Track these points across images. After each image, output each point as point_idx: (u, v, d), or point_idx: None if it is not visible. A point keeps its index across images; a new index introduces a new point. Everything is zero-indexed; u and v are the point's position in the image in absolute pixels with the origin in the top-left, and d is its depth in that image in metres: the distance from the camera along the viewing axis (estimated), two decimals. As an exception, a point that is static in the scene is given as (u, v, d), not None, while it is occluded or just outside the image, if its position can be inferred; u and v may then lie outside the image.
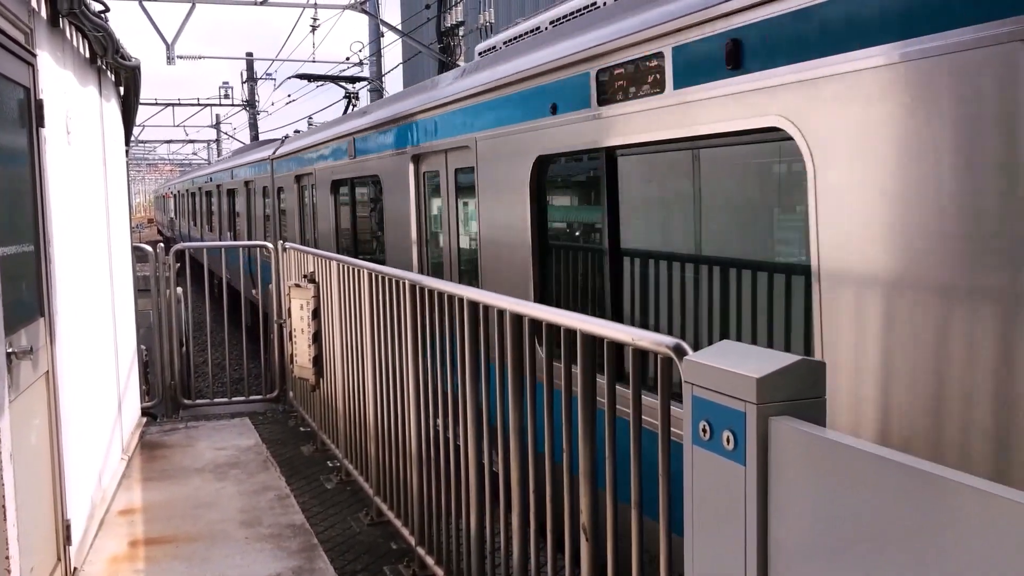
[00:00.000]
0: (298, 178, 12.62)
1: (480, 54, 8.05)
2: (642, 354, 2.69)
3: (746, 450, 1.99)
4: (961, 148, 2.78)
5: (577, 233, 5.55)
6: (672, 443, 2.55)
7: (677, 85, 4.10)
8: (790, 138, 3.46)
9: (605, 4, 5.62)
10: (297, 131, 18.03)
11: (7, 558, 3.55)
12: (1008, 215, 2.65)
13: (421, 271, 7.79)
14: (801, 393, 2.00)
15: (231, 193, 19.58)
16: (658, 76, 4.26)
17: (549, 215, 5.66)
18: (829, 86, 3.26)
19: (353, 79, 18.24)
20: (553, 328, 3.18)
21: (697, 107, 3.95)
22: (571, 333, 3.04)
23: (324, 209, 11.24)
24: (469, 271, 6.86)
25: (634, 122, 4.48)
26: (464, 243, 7.01)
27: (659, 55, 4.23)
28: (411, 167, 7.80)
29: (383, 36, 20.79)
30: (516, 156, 5.76)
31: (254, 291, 13.55)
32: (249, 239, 17.07)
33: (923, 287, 2.90)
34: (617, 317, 4.90)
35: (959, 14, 2.77)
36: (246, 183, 17.23)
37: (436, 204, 7.56)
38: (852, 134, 3.17)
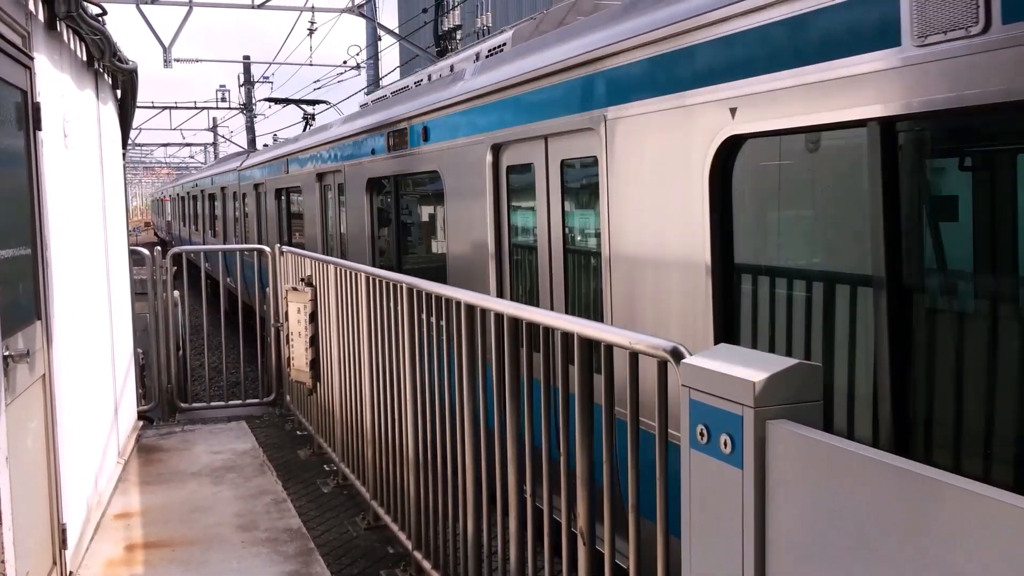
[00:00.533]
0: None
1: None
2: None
3: (743, 454, 1.99)
4: None
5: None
6: (670, 446, 2.55)
7: None
8: None
9: None
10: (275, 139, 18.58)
11: (2, 562, 3.54)
12: None
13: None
14: (798, 396, 2.00)
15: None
16: None
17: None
18: None
19: (313, 102, 21.04)
20: (550, 332, 3.18)
21: None
22: (568, 337, 3.04)
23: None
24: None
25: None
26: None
27: None
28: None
29: (380, 40, 20.80)
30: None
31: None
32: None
33: None
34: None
35: None
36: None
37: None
38: None
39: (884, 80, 2.95)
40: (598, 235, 4.82)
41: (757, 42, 3.54)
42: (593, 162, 4.86)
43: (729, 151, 3.81)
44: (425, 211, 8.33)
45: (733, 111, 3.67)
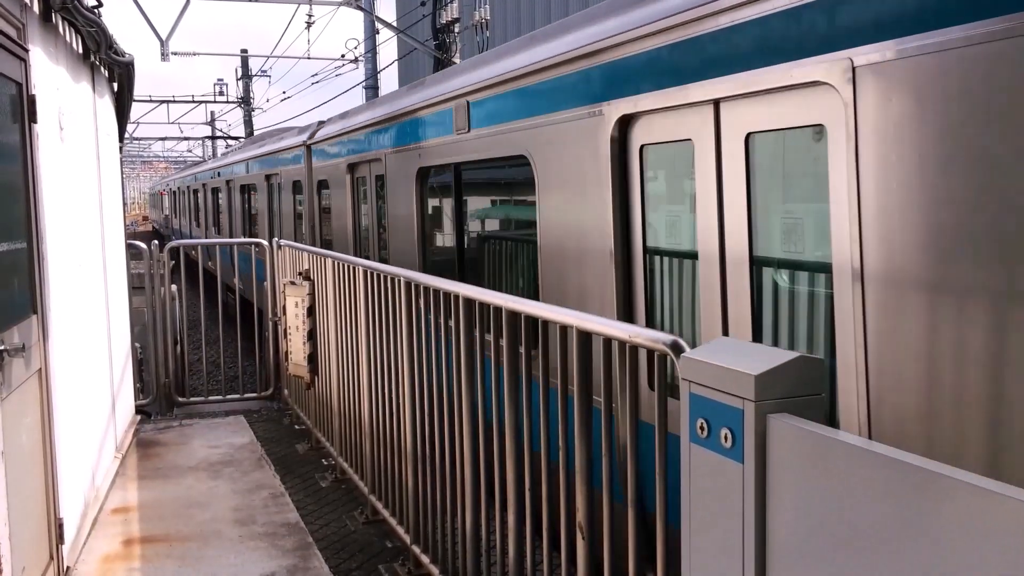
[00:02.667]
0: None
1: None
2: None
3: (744, 448, 1.98)
4: None
5: None
6: (669, 440, 2.54)
7: None
8: None
9: None
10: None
11: (-1, 557, 3.53)
12: None
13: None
14: (799, 390, 1.98)
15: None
16: None
17: None
18: None
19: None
20: (549, 326, 3.17)
21: None
22: (567, 330, 3.03)
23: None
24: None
25: None
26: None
27: None
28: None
29: (378, 33, 20.75)
30: None
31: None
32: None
33: None
34: None
35: None
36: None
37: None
38: None
39: None
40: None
41: None
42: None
43: None
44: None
45: None
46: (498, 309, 3.51)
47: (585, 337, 2.95)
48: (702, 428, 2.10)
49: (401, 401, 4.66)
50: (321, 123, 11.64)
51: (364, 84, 22.76)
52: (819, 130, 3.31)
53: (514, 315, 3.40)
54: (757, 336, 3.71)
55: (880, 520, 1.70)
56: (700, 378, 2.12)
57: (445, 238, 6.89)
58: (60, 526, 4.56)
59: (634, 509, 2.67)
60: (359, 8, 17.79)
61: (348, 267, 5.50)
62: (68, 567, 4.73)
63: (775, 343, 3.67)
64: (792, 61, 3.27)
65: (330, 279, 5.98)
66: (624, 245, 4.43)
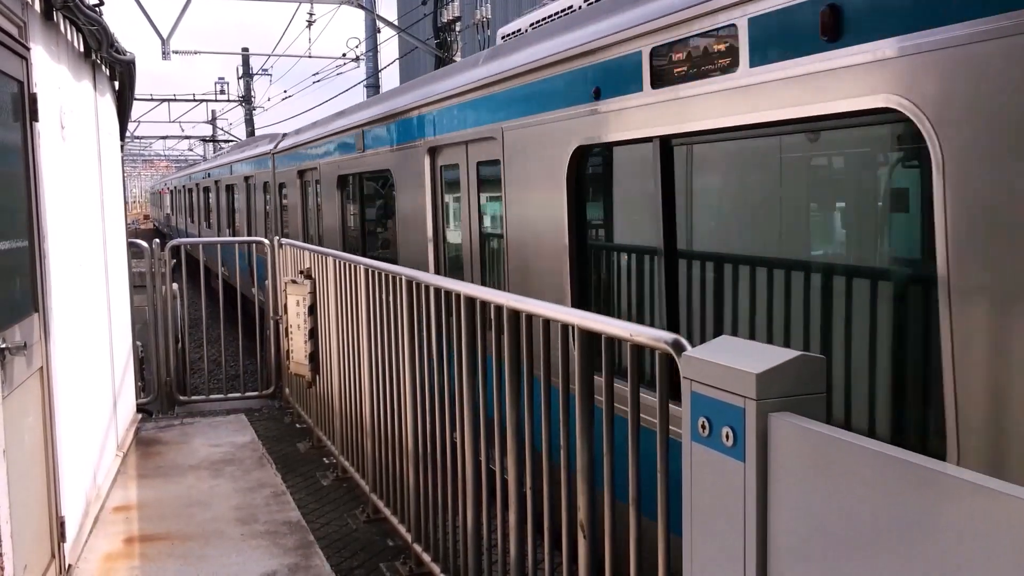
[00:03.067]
0: (434, 151, 7.25)
1: None
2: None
3: (745, 446, 1.98)
4: None
5: None
6: (671, 440, 2.54)
7: None
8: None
9: None
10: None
11: (1, 555, 3.53)
12: None
13: None
14: (800, 388, 1.98)
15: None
16: None
17: None
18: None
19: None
20: (550, 324, 3.17)
21: None
22: (569, 329, 3.02)
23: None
24: None
25: None
26: None
27: None
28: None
29: (379, 32, 20.75)
30: None
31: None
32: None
33: None
34: None
35: None
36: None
37: None
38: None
39: None
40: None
41: None
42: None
43: None
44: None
45: None
46: (499, 307, 3.51)
47: (586, 336, 2.95)
48: (703, 427, 2.10)
49: (402, 399, 4.66)
50: (284, 135, 14.19)
51: (365, 83, 22.76)
52: None
53: (515, 313, 3.40)
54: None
55: (882, 518, 1.70)
56: (701, 376, 2.12)
57: (354, 221, 10.02)
58: (62, 524, 4.57)
59: (635, 508, 2.67)
60: (360, 7, 17.79)
61: (349, 266, 5.50)
62: (70, 565, 4.74)
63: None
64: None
65: (331, 278, 5.98)
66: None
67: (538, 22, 6.68)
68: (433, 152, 7.16)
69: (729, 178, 4.07)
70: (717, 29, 3.70)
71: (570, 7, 6.12)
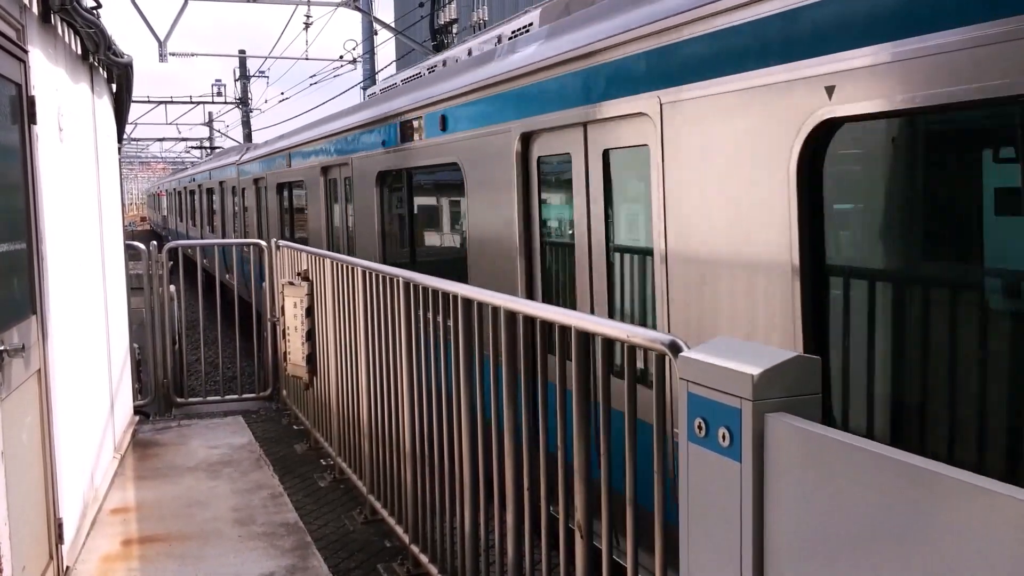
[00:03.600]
0: (523, 140, 5.62)
1: None
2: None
3: (742, 447, 1.99)
4: None
5: None
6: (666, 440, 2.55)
7: None
8: None
9: None
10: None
11: (-1, 557, 3.53)
12: None
13: None
14: (797, 389, 2.00)
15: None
16: None
17: None
18: None
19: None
20: (547, 325, 3.18)
21: None
22: (566, 330, 3.04)
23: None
24: None
25: None
26: None
27: None
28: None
29: (376, 34, 20.76)
30: None
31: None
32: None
33: None
34: None
35: None
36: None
37: None
38: None
39: None
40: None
41: None
42: None
43: None
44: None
45: None
46: (496, 309, 3.52)
47: (584, 337, 2.96)
48: (700, 427, 2.12)
49: (400, 401, 4.67)
50: (247, 148, 17.56)
51: (362, 85, 22.76)
52: None
53: (512, 315, 3.41)
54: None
55: (878, 519, 1.71)
56: (698, 377, 2.13)
57: (292, 219, 12.50)
58: (60, 526, 4.57)
59: (632, 508, 2.68)
60: (357, 9, 17.80)
61: (347, 267, 5.51)
62: (68, 567, 4.74)
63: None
64: None
65: (328, 280, 5.99)
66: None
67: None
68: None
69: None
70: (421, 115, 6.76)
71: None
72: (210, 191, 21.97)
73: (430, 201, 7.86)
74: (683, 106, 4.00)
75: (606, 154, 4.77)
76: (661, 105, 4.10)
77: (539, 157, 5.43)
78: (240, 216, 17.36)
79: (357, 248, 9.17)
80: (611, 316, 4.79)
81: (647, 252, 4.43)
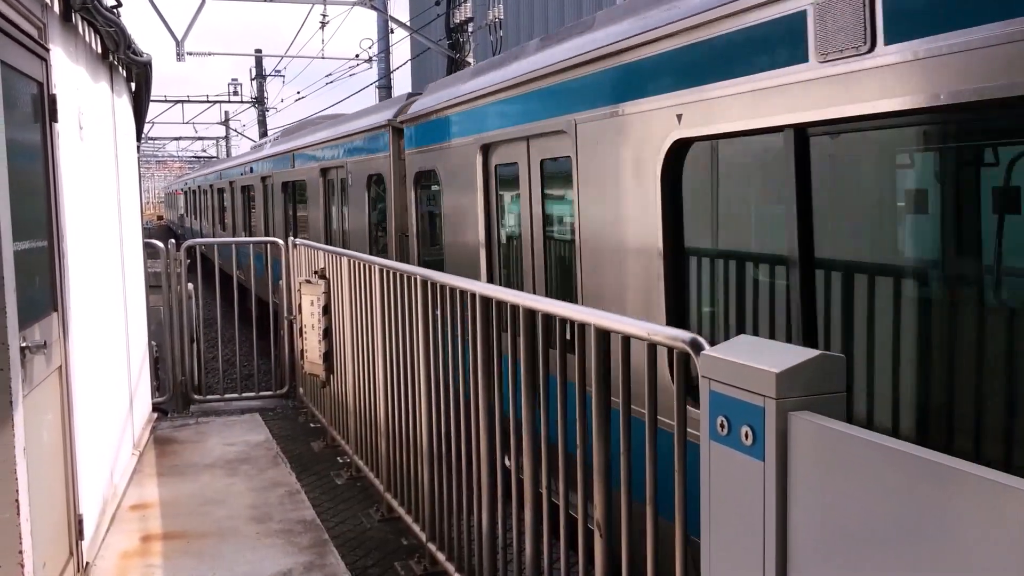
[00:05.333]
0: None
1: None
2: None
3: (765, 445, 1.98)
4: None
5: None
6: (688, 440, 2.54)
7: None
8: None
9: None
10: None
11: (20, 552, 3.56)
12: None
13: None
14: (820, 387, 1.98)
15: None
16: None
17: None
18: None
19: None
20: (566, 323, 3.17)
21: None
22: (585, 328, 3.03)
23: None
24: None
25: None
26: None
27: None
28: None
29: (392, 32, 20.79)
30: None
31: None
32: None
33: None
34: None
35: None
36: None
37: None
38: None
39: None
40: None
41: None
42: None
43: None
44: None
45: None
46: (515, 307, 3.52)
47: (603, 335, 2.95)
48: (722, 426, 2.11)
49: (417, 399, 4.67)
50: (212, 160, 24.31)
51: (377, 84, 22.79)
52: None
53: (531, 313, 3.40)
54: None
55: (902, 517, 1.69)
56: (720, 376, 2.12)
57: (248, 216, 16.68)
58: (80, 522, 4.60)
59: (652, 507, 2.67)
60: (373, 7, 17.83)
61: (364, 265, 5.52)
62: (87, 563, 4.77)
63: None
64: None
65: (345, 277, 6.01)
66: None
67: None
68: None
69: None
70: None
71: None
72: (206, 192, 25.53)
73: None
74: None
75: (240, 189, 10.29)
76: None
77: (241, 188, 13.80)
78: (232, 214, 21.03)
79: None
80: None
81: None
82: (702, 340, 2.42)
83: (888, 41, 3.14)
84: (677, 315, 4.56)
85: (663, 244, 4.56)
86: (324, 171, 11.47)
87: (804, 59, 3.54)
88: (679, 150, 4.43)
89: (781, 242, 3.89)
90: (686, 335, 2.47)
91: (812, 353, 1.98)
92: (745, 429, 2.02)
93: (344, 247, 10.22)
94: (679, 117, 4.32)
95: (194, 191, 32.26)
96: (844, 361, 2.02)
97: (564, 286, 5.89)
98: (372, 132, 9.64)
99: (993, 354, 3.06)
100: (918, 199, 3.45)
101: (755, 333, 4.15)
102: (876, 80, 3.18)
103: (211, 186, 24.52)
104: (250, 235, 18.43)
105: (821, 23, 3.42)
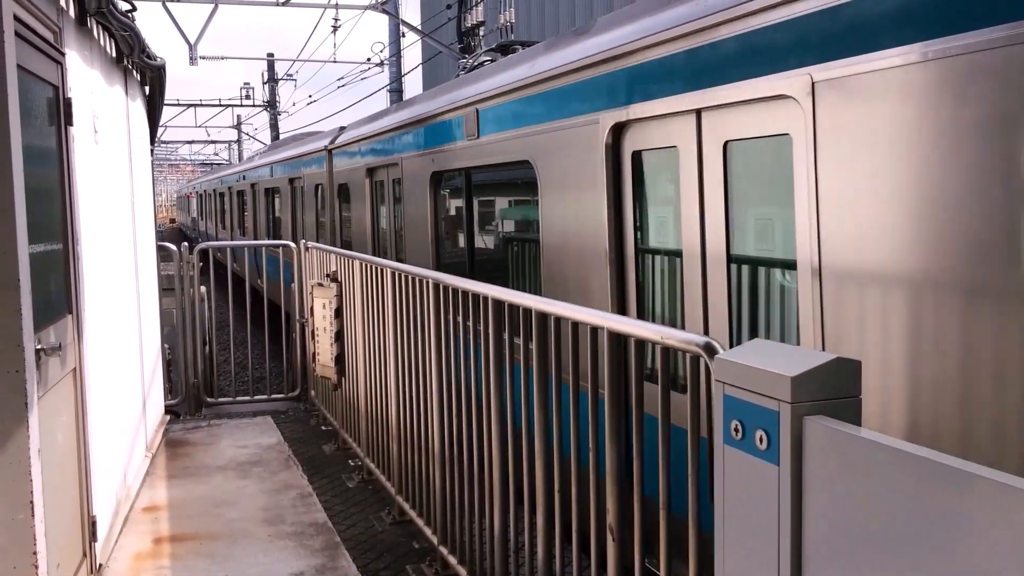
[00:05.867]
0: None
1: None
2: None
3: (779, 450, 1.97)
4: None
5: None
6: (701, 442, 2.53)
7: None
8: None
9: None
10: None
11: (34, 553, 3.57)
12: None
13: None
14: (835, 392, 1.97)
15: None
16: None
17: None
18: None
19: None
20: (577, 326, 3.17)
21: None
22: (597, 332, 3.02)
23: None
24: None
25: None
26: None
27: None
28: None
29: (404, 36, 20.84)
30: None
31: None
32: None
33: None
34: None
35: None
36: None
37: None
38: None
39: None
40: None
41: None
42: None
43: None
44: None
45: None
46: (527, 310, 3.51)
47: (616, 338, 2.95)
48: (736, 430, 2.10)
49: (429, 402, 4.67)
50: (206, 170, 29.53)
51: (389, 87, 22.85)
52: None
53: (544, 316, 3.40)
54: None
55: (917, 522, 1.68)
56: (734, 379, 2.11)
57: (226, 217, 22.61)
58: (93, 524, 4.62)
59: (666, 511, 2.66)
60: (385, 11, 17.87)
61: (375, 268, 5.53)
62: (101, 564, 4.79)
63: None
64: None
65: (357, 281, 6.02)
66: None
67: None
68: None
69: None
70: None
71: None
72: (211, 196, 28.92)
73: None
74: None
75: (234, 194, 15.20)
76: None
77: (232, 192, 19.80)
78: (229, 216, 24.90)
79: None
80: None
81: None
82: (716, 344, 2.41)
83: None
84: None
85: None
86: (291, 180, 15.23)
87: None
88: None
89: None
90: (700, 339, 2.47)
91: (827, 357, 1.98)
92: (760, 433, 2.02)
93: (304, 237, 13.67)
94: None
95: (200, 195, 37.05)
96: (859, 365, 2.01)
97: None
98: (316, 154, 13.15)
99: None
100: None
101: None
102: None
103: (215, 191, 29.24)
104: (243, 233, 22.29)
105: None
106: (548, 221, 5.59)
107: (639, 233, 4.84)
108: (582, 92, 5.15)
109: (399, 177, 8.75)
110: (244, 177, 21.70)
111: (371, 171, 9.98)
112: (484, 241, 7.05)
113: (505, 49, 8.62)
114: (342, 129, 12.65)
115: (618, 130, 4.84)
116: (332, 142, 12.21)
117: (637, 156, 4.78)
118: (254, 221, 19.88)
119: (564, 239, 5.42)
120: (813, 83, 3.43)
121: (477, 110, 6.61)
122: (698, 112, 4.21)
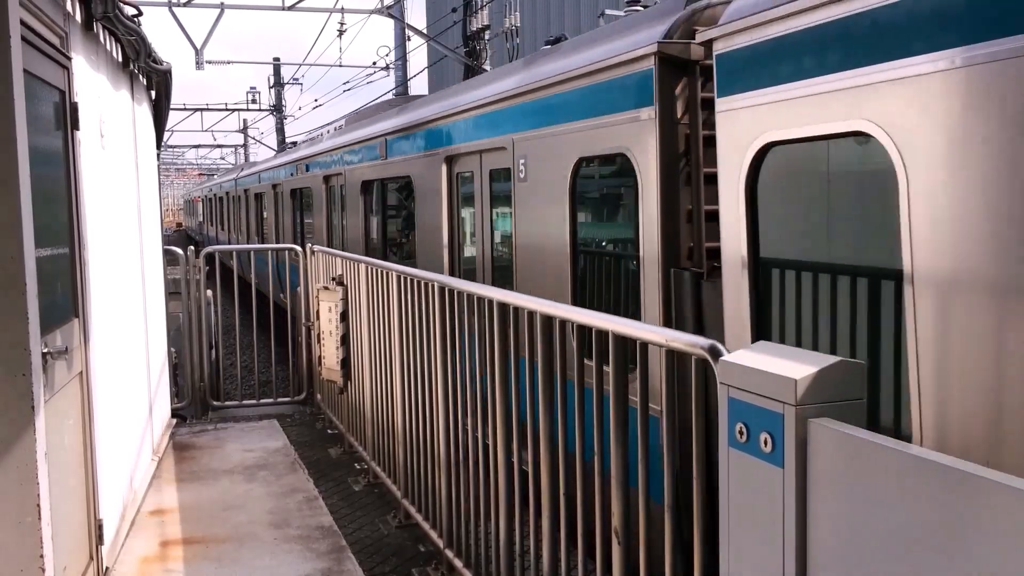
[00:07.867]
0: None
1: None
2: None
3: (784, 452, 1.97)
4: None
5: None
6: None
7: None
8: None
9: None
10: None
11: (41, 556, 3.58)
12: None
13: None
14: (840, 395, 1.97)
15: None
16: None
17: None
18: None
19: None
20: (584, 329, 3.17)
21: None
22: (603, 335, 3.02)
23: None
24: None
25: None
26: None
27: None
28: None
29: (409, 40, 20.88)
30: None
31: None
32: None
33: None
34: None
35: None
36: None
37: None
38: None
39: None
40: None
41: None
42: None
43: None
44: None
45: None
46: (532, 313, 3.52)
47: (621, 341, 2.94)
48: (741, 432, 2.10)
49: (434, 405, 4.68)
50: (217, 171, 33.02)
51: (395, 91, 22.91)
52: None
53: (549, 319, 3.40)
54: None
55: (922, 525, 1.68)
56: (739, 382, 2.11)
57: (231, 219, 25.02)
58: (100, 527, 4.63)
59: (671, 514, 2.66)
60: (390, 16, 17.92)
61: (381, 272, 5.54)
62: (107, 568, 4.80)
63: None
64: None
65: (363, 284, 6.03)
66: None
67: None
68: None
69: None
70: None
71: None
72: (215, 200, 31.76)
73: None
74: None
75: (232, 198, 17.65)
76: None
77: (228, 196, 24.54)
78: (226, 219, 27.82)
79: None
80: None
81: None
82: (721, 346, 2.41)
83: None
84: None
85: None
86: (274, 185, 17.52)
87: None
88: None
89: None
90: (704, 341, 2.46)
91: (832, 359, 1.97)
92: (764, 436, 2.01)
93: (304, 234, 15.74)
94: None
95: (210, 199, 37.83)
96: (864, 368, 2.01)
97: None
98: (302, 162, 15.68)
99: None
100: None
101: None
102: None
103: (227, 193, 30.12)
104: (246, 228, 23.54)
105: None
106: (419, 216, 8.63)
107: (458, 226, 7.93)
108: (431, 136, 8.34)
109: (343, 184, 12.19)
110: (260, 179, 22.44)
111: (326, 179, 13.32)
112: (394, 226, 10.49)
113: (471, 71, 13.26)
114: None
115: (450, 159, 7.86)
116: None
117: (458, 176, 7.81)
118: (257, 220, 21.48)
119: (428, 225, 8.47)
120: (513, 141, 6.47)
121: (386, 140, 9.84)
122: (480, 152, 7.19)
